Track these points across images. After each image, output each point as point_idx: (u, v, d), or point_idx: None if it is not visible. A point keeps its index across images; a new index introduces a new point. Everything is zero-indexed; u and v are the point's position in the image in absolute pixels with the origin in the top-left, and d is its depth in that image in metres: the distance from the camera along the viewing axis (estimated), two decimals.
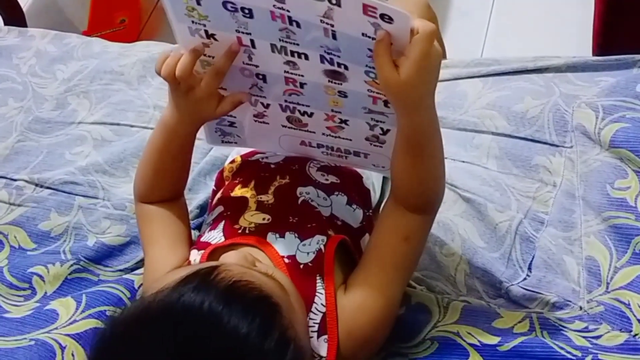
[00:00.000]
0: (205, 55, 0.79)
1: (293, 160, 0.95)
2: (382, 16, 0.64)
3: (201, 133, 0.91)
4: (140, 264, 1.02)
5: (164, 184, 0.91)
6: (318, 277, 0.79)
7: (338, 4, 0.64)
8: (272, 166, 0.95)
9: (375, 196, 1.03)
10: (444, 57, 1.42)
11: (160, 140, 0.87)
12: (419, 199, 0.79)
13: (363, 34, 0.67)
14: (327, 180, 0.93)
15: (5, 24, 1.85)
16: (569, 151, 1.03)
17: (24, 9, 1.99)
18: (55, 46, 1.45)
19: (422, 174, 0.76)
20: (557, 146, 1.04)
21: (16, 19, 1.91)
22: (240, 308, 0.59)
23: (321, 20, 0.67)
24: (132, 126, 1.25)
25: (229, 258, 0.73)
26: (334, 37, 0.69)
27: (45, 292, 0.98)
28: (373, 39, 0.67)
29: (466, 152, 1.08)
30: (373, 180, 1.03)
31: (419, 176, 0.76)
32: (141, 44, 1.43)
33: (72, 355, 0.85)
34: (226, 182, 0.99)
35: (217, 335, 0.57)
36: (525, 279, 0.91)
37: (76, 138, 1.25)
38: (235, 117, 0.88)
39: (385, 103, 0.77)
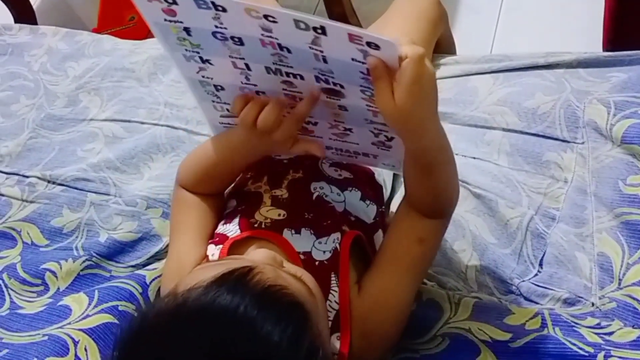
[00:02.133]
0: (204, 77, 0.79)
1: (305, 156, 0.95)
2: (369, 44, 0.63)
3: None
4: (151, 259, 1.03)
5: (214, 183, 0.91)
6: (333, 275, 0.79)
7: (324, 33, 0.64)
8: (285, 161, 0.95)
9: (386, 193, 1.03)
10: (454, 53, 1.42)
11: (224, 153, 0.87)
12: (433, 207, 0.79)
13: (353, 59, 0.66)
14: (340, 175, 0.93)
15: (16, 21, 1.86)
16: (581, 147, 1.02)
17: (34, 7, 2.00)
18: (66, 43, 1.46)
19: (434, 187, 0.76)
20: (569, 142, 1.03)
21: (27, 16, 1.92)
22: (274, 314, 0.58)
23: (310, 47, 0.67)
24: (143, 123, 1.26)
25: (257, 256, 0.72)
26: (325, 61, 0.69)
27: (58, 288, 0.99)
28: (363, 63, 0.66)
29: (477, 149, 1.08)
30: (384, 177, 1.03)
31: (430, 189, 0.76)
32: (152, 41, 1.44)
33: (85, 349, 0.86)
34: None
35: (249, 342, 0.57)
36: (536, 275, 0.91)
37: (88, 135, 1.25)
38: None
39: None
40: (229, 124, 0.88)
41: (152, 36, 1.71)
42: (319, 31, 0.64)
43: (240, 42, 0.71)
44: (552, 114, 1.06)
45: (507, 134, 1.07)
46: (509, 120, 1.08)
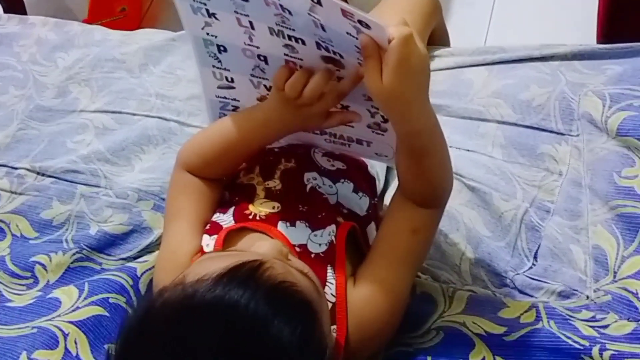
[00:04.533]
0: (208, 35, 0.79)
1: (297, 145, 0.94)
2: (360, 22, 0.63)
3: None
4: (142, 252, 1.02)
5: (225, 165, 0.88)
6: (329, 267, 0.78)
7: (319, 3, 0.64)
8: (276, 150, 0.94)
9: (379, 185, 1.03)
10: (448, 45, 1.41)
11: (244, 132, 0.84)
12: (426, 195, 0.78)
13: (348, 33, 0.66)
14: (333, 166, 0.93)
15: (5, 11, 1.84)
16: (576, 139, 1.02)
17: None
18: (56, 34, 1.44)
19: (427, 174, 0.76)
20: (564, 134, 1.03)
21: (16, 7, 1.90)
22: (284, 312, 0.58)
23: (309, 14, 0.67)
24: (133, 114, 1.25)
25: (263, 249, 0.70)
26: (324, 29, 0.69)
27: (48, 281, 0.98)
28: (357, 38, 0.66)
29: (471, 141, 1.07)
30: (377, 169, 1.03)
31: (423, 175, 0.76)
32: (143, 32, 1.43)
33: (75, 342, 0.84)
34: None
35: (259, 339, 0.56)
36: (531, 268, 0.90)
37: (78, 126, 1.24)
38: (239, 101, 0.88)
39: None
40: (225, 97, 0.87)
41: (143, 27, 1.70)
42: (315, 0, 0.64)
43: None
44: (546, 106, 1.06)
45: (502, 127, 1.07)
46: (504, 112, 1.08)
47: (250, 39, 0.77)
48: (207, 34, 0.79)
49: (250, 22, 0.75)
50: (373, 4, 1.26)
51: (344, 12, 0.63)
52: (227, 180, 0.93)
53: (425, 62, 0.65)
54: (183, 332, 0.57)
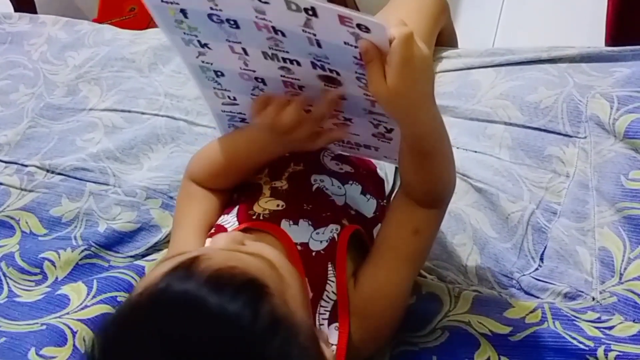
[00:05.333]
0: (203, 62, 0.79)
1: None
2: (359, 26, 0.62)
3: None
4: (150, 250, 1.03)
5: (227, 179, 0.91)
6: (330, 265, 0.78)
7: (315, 15, 0.63)
8: (287, 154, 0.94)
9: (387, 186, 1.03)
10: (456, 46, 1.42)
11: (244, 149, 0.87)
12: (429, 196, 0.78)
13: (345, 43, 0.66)
14: (341, 169, 0.93)
15: (16, 10, 1.85)
16: (583, 142, 1.02)
17: None
18: (66, 33, 1.45)
19: (430, 175, 0.75)
20: (571, 137, 1.03)
21: (26, 5, 1.91)
22: (225, 293, 0.57)
23: (303, 30, 0.67)
24: (143, 113, 1.25)
25: (217, 242, 0.71)
26: (319, 45, 0.68)
27: (57, 277, 0.99)
28: (356, 47, 0.65)
29: (478, 142, 1.07)
30: (386, 170, 1.03)
31: (426, 177, 0.76)
32: (152, 32, 1.43)
33: (83, 340, 0.85)
34: None
35: (205, 323, 0.55)
36: (537, 269, 0.90)
37: (87, 125, 1.25)
38: (245, 114, 0.88)
39: None
40: (231, 112, 0.88)
41: (152, 26, 1.71)
42: (310, 12, 0.63)
43: (235, 25, 0.70)
44: (554, 108, 1.06)
45: (509, 128, 1.07)
46: (511, 114, 1.08)
47: (246, 64, 0.77)
48: (202, 61, 0.78)
49: (244, 49, 0.74)
50: (380, 6, 1.26)
51: (342, 19, 0.62)
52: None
53: (428, 60, 0.65)
54: (129, 342, 0.56)
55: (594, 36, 1.44)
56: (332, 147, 0.93)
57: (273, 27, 0.68)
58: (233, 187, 0.93)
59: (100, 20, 1.99)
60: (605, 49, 1.12)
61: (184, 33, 0.74)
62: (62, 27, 1.47)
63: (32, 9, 1.93)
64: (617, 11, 1.34)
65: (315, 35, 0.67)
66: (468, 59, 1.20)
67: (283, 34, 0.69)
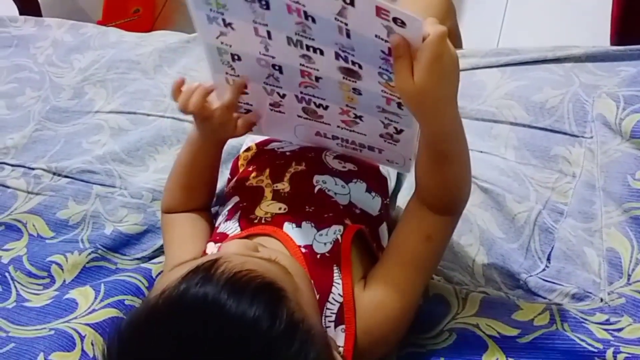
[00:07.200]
0: (222, 44, 0.79)
1: (309, 149, 0.95)
2: (395, 20, 0.62)
3: None
4: (157, 252, 1.03)
5: (190, 198, 0.96)
6: (335, 268, 0.78)
7: (352, 4, 0.63)
8: (288, 154, 0.94)
9: (391, 185, 1.03)
10: (460, 47, 1.41)
11: (188, 157, 0.94)
12: (443, 202, 0.78)
13: (376, 36, 0.66)
14: (344, 167, 0.93)
15: (21, 13, 1.86)
16: (589, 142, 1.02)
17: None
18: (72, 36, 1.45)
19: (446, 179, 0.75)
20: (577, 136, 1.03)
21: (31, 8, 1.92)
22: (244, 297, 0.57)
23: (335, 18, 0.66)
24: (148, 115, 1.26)
25: (230, 247, 0.72)
26: (348, 35, 0.68)
27: (64, 281, 0.99)
28: (386, 41, 0.65)
29: (484, 142, 1.07)
30: (389, 168, 1.03)
31: (442, 181, 0.75)
32: (157, 34, 1.43)
33: (92, 344, 0.85)
34: (240, 170, 0.99)
35: (224, 325, 0.56)
36: (544, 270, 0.90)
37: (93, 127, 1.25)
38: (251, 104, 0.88)
39: (399, 105, 0.77)
40: (238, 101, 0.88)
41: (156, 28, 1.71)
42: (348, 1, 0.63)
43: (267, 5, 0.70)
44: (560, 108, 1.06)
45: (515, 128, 1.07)
46: (517, 114, 1.07)
47: (266, 49, 0.77)
48: (222, 42, 0.78)
49: (268, 32, 0.74)
50: None
51: (379, 10, 0.62)
52: (236, 182, 0.95)
53: (457, 62, 0.65)
54: (147, 344, 0.56)
55: (600, 35, 1.43)
56: (334, 147, 0.93)
57: (305, 12, 0.68)
58: (208, 203, 0.99)
59: (104, 21, 1.99)
60: (611, 48, 1.12)
61: (210, 9, 0.74)
62: (67, 30, 1.47)
63: (36, 11, 1.93)
64: (622, 10, 1.34)
65: (347, 25, 0.67)
66: (473, 59, 1.20)
67: (313, 20, 0.69)
